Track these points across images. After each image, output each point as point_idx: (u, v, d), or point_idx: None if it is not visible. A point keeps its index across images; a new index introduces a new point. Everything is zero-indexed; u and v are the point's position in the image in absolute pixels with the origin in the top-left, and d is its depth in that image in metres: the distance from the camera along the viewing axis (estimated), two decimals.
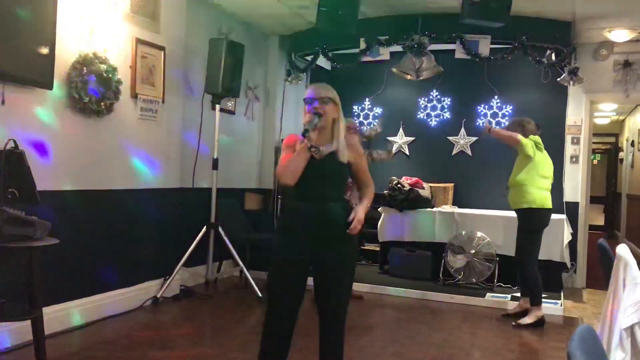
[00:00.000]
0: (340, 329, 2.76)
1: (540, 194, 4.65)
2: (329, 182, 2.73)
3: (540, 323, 4.65)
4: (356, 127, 5.51)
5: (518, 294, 5.18)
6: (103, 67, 4.12)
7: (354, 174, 2.83)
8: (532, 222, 4.70)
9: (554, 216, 5.00)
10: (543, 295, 4.80)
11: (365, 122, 7.35)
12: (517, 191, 4.69)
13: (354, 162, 2.79)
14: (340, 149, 2.73)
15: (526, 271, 4.69)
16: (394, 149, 7.21)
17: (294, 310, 2.74)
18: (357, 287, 5.71)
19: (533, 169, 4.66)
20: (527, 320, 4.66)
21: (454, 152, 6.98)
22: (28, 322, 3.07)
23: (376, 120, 5.82)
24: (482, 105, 6.86)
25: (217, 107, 5.45)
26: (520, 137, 4.66)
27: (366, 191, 2.85)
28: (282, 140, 6.69)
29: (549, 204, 4.72)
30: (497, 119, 6.82)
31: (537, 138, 4.76)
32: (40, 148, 3.72)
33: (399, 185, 6.43)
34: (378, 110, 7.34)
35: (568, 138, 6.40)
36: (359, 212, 2.70)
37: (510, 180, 4.79)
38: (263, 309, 3.05)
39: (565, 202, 6.25)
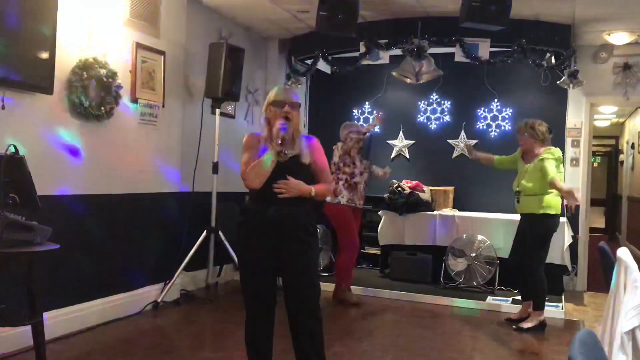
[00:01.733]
0: (319, 328, 2.80)
1: (557, 200, 4.69)
2: None
3: (541, 327, 4.65)
4: (360, 131, 5.46)
5: (519, 297, 5.17)
6: (103, 71, 4.12)
7: (315, 173, 2.87)
8: (549, 227, 4.71)
9: None
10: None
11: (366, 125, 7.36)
12: (536, 198, 4.66)
13: (313, 161, 2.86)
14: (303, 151, 2.81)
15: (534, 276, 4.67)
16: (394, 153, 7.21)
17: (269, 311, 2.85)
18: (358, 290, 5.70)
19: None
20: (529, 323, 4.65)
21: (454, 155, 6.98)
22: (29, 327, 3.06)
23: (379, 114, 5.75)
24: (482, 109, 6.87)
25: (217, 111, 5.45)
26: (557, 180, 4.56)
27: (322, 183, 2.87)
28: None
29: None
30: (497, 122, 6.83)
31: (558, 152, 4.75)
32: (40, 153, 3.72)
33: (399, 189, 6.43)
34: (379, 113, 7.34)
35: (568, 141, 6.39)
36: (297, 182, 2.73)
37: (524, 187, 4.70)
38: None
39: (566, 205, 6.23)
